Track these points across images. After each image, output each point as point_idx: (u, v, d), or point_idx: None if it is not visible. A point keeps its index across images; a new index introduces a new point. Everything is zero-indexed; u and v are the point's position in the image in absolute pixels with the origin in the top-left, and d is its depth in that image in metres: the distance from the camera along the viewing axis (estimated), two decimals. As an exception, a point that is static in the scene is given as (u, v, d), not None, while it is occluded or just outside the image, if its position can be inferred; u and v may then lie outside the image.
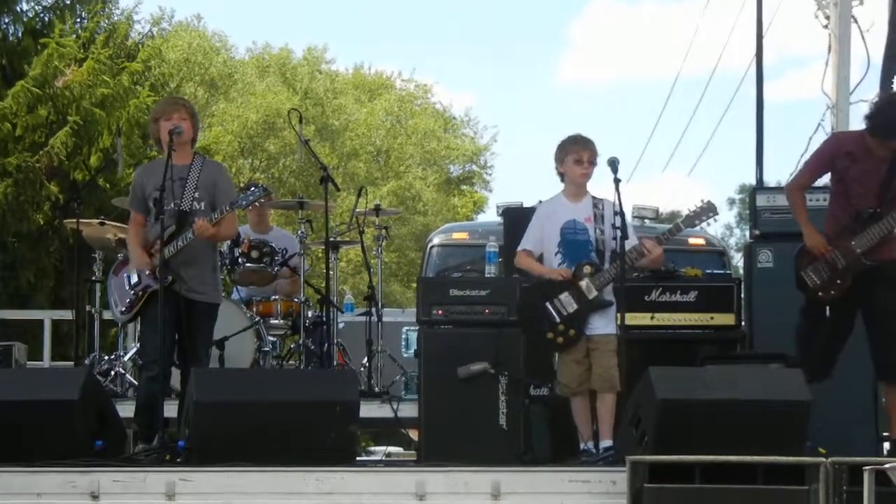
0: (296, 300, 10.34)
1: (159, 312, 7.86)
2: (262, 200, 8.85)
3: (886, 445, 8.50)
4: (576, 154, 8.22)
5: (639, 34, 60.72)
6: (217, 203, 8.19)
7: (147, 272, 8.15)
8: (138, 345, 9.35)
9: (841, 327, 8.21)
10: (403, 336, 12.14)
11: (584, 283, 8.09)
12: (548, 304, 8.13)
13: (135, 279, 8.29)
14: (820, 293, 8.18)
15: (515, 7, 59.05)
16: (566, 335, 8.11)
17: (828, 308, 8.18)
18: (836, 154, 8.26)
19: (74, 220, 10.36)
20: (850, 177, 8.16)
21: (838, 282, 8.13)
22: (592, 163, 8.24)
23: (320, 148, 32.46)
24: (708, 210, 8.24)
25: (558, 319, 8.11)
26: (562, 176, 8.33)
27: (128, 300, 8.33)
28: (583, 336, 8.09)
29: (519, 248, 8.39)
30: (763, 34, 11.13)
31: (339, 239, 11.26)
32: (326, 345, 10.11)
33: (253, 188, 8.47)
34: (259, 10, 54.63)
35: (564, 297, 8.10)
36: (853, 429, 8.69)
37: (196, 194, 8.17)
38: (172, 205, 8.08)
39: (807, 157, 8.87)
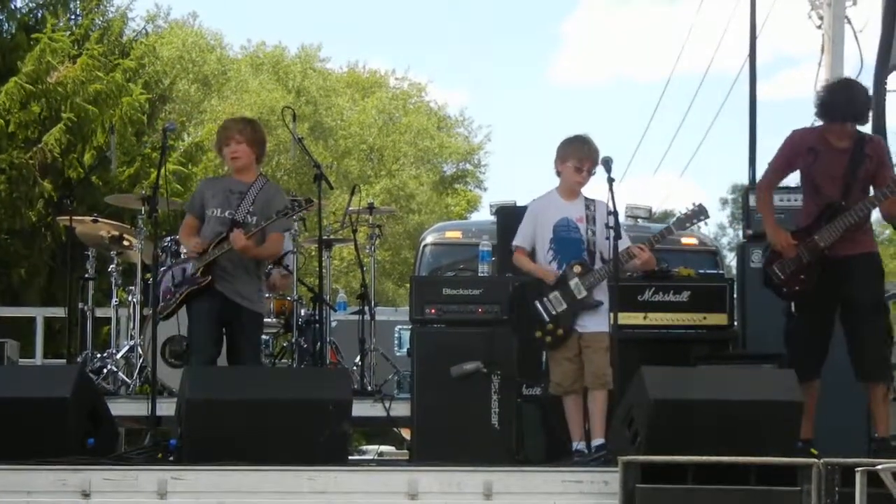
0: (289, 298, 10.33)
1: (152, 310, 7.93)
2: (305, 212, 8.91)
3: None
4: (577, 161, 8.19)
5: (632, 33, 60.84)
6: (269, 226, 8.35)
7: (191, 270, 8.28)
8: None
9: (819, 326, 8.18)
10: (396, 335, 12.14)
11: (573, 283, 8.09)
12: (537, 303, 8.12)
13: (179, 278, 8.45)
14: (784, 288, 8.20)
15: (508, 5, 59.08)
16: (554, 334, 8.11)
17: (793, 305, 8.20)
18: (797, 151, 8.28)
19: (67, 218, 10.34)
20: (815, 172, 8.19)
21: (802, 277, 8.13)
22: (591, 173, 8.23)
23: (313, 146, 32.46)
24: (699, 213, 8.25)
25: (547, 318, 8.11)
26: (559, 173, 8.32)
27: (170, 296, 8.44)
28: (572, 335, 8.09)
29: (513, 246, 8.39)
30: (756, 34, 11.12)
31: (332, 237, 11.25)
32: (319, 343, 10.10)
33: (299, 200, 8.62)
34: (255, 9, 54.65)
35: (554, 296, 8.10)
36: (845, 430, 8.69)
37: (251, 208, 8.31)
38: (227, 214, 8.28)
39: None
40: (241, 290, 8.28)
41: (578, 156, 8.20)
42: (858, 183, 8.14)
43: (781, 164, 8.43)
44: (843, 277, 8.07)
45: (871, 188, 8.17)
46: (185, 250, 8.81)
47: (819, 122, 8.35)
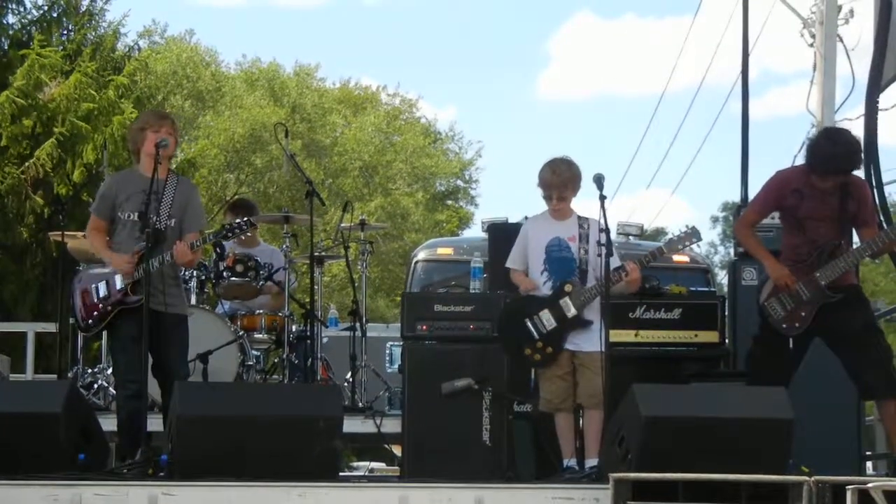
0: (280, 314, 10.33)
1: (143, 330, 7.83)
2: (248, 234, 8.75)
3: (869, 464, 8.49)
4: (543, 189, 8.27)
5: (619, 50, 60.99)
6: (185, 225, 8.20)
7: (120, 286, 8.12)
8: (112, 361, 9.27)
9: (798, 357, 8.23)
10: (387, 351, 12.13)
11: (563, 302, 8.11)
12: (527, 321, 8.16)
13: (104, 292, 8.24)
14: (784, 325, 8.18)
15: (496, 22, 59.18)
16: (543, 352, 8.14)
17: (791, 340, 8.19)
18: (782, 192, 8.30)
19: (59, 233, 10.33)
20: (802, 213, 8.21)
21: (802, 314, 8.13)
22: (562, 199, 8.24)
23: (307, 164, 32.41)
24: (692, 235, 8.27)
25: (537, 336, 8.14)
26: None
27: (96, 312, 8.27)
28: (562, 353, 8.11)
29: (508, 266, 8.41)
30: (749, 51, 11.14)
31: (323, 253, 11.25)
32: (310, 359, 10.10)
33: (239, 222, 8.42)
34: (251, 27, 54.65)
35: (544, 314, 8.13)
36: (836, 447, 8.69)
37: (170, 211, 8.17)
38: (151, 220, 8.04)
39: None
40: (169, 300, 8.09)
41: (543, 184, 8.26)
42: (848, 222, 8.22)
43: (765, 205, 8.46)
44: (833, 309, 8.08)
45: (855, 227, 8.28)
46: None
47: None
